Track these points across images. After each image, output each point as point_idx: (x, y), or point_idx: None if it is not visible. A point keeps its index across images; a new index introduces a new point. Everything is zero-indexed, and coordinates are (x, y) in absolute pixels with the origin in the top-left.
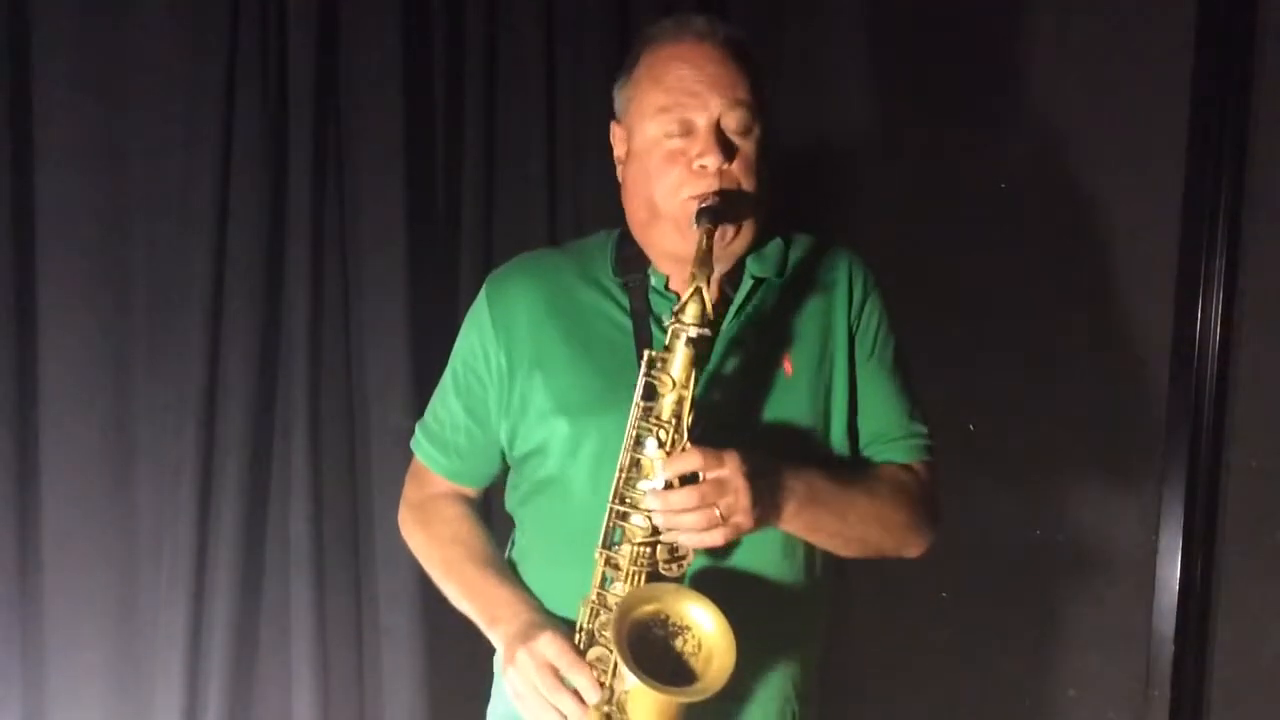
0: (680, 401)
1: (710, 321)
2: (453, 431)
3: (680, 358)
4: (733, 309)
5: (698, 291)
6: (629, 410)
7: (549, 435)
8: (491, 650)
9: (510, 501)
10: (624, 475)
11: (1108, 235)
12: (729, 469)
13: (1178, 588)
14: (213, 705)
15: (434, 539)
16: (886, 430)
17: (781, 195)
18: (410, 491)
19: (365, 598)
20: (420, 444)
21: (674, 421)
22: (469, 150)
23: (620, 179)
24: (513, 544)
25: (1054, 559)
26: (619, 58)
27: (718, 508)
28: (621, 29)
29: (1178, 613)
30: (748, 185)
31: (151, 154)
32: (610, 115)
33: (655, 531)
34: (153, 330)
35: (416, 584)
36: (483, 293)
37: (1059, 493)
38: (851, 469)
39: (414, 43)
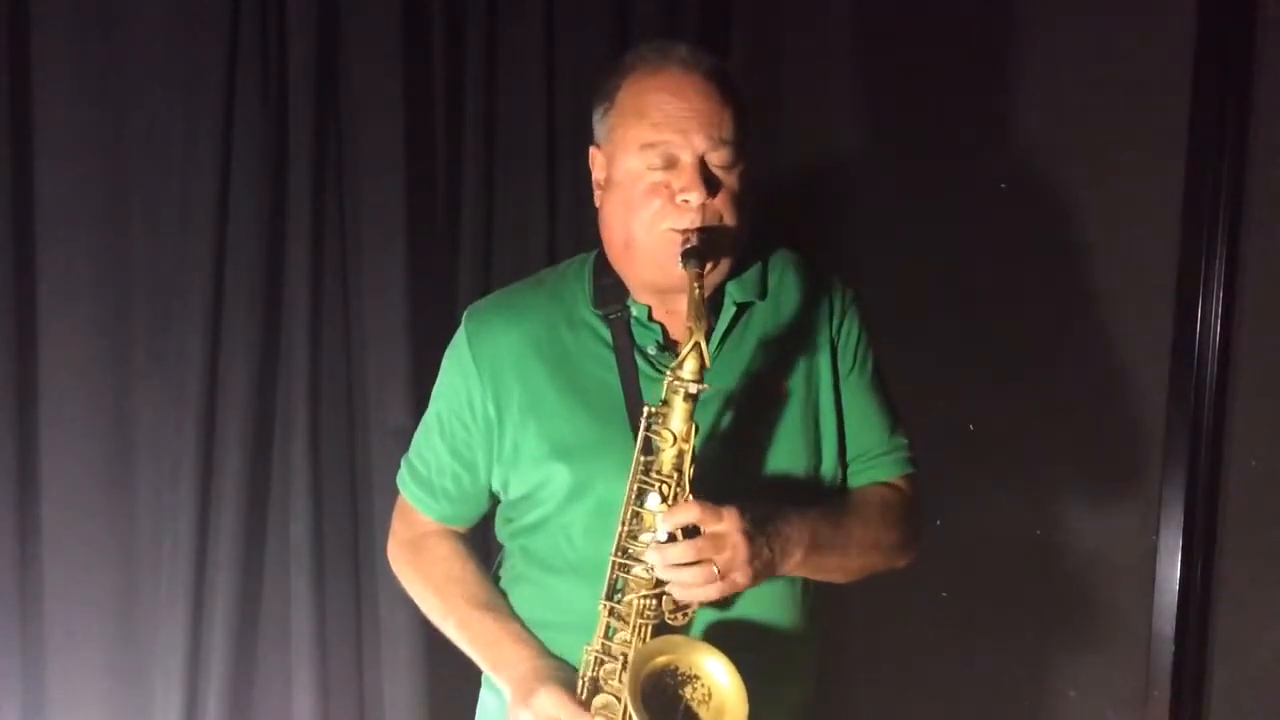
0: (680, 455)
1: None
2: (439, 475)
3: (679, 412)
4: (716, 336)
5: (696, 347)
6: (624, 449)
7: (545, 480)
8: None
9: (501, 533)
10: (625, 529)
11: (1108, 235)
12: (727, 524)
13: (1178, 588)
14: (213, 705)
15: (428, 580)
16: (871, 447)
17: (758, 214)
18: (399, 528)
19: (365, 598)
20: (406, 484)
21: (675, 475)
22: (469, 150)
23: (598, 204)
24: (500, 567)
25: (1054, 559)
26: (619, 59)
27: (715, 563)
28: (621, 30)
29: (1178, 613)
30: (729, 219)
31: (151, 153)
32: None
33: (660, 583)
34: (153, 330)
35: None
36: (462, 333)
37: (1059, 493)
38: (842, 498)
39: (414, 43)
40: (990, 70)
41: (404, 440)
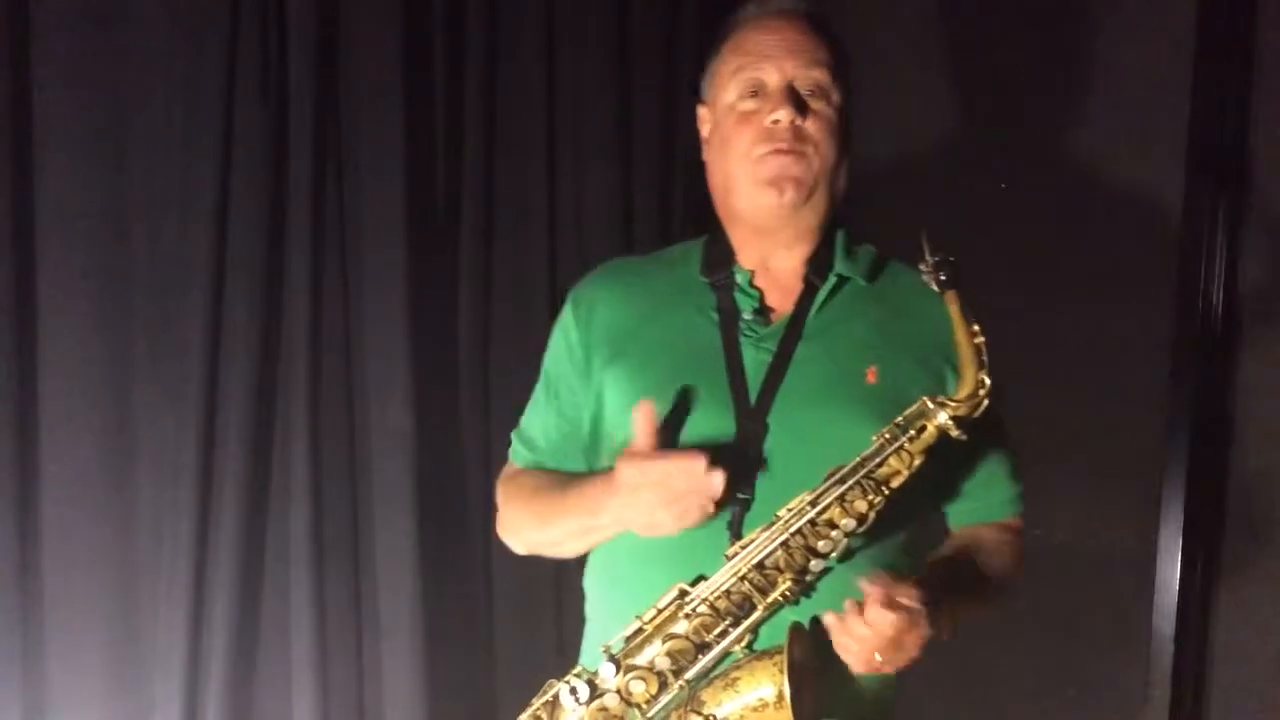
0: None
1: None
2: (545, 437)
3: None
4: (818, 300)
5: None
6: (714, 405)
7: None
8: (492, 652)
9: None
10: (794, 530)
11: (1108, 235)
12: (919, 631)
13: (1178, 588)
14: (213, 705)
15: (515, 499)
16: (990, 490)
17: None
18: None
19: (365, 598)
20: (518, 452)
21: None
22: (469, 150)
23: (705, 161)
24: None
25: (1054, 559)
26: (619, 59)
27: (878, 654)
28: (621, 29)
29: (1178, 613)
30: (824, 146)
31: (151, 153)
32: (603, 115)
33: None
34: (153, 330)
35: (416, 583)
36: (567, 301)
37: (1059, 493)
38: (967, 552)
39: (414, 43)
40: (989, 71)
41: (404, 440)
